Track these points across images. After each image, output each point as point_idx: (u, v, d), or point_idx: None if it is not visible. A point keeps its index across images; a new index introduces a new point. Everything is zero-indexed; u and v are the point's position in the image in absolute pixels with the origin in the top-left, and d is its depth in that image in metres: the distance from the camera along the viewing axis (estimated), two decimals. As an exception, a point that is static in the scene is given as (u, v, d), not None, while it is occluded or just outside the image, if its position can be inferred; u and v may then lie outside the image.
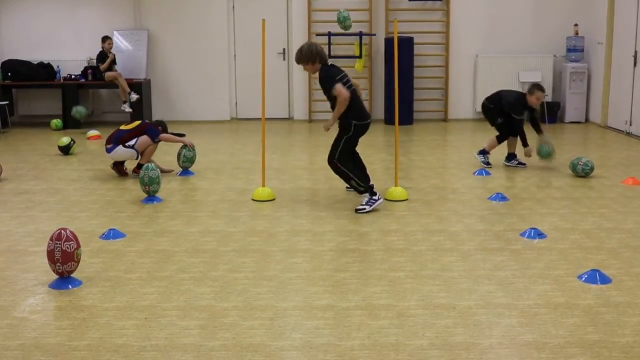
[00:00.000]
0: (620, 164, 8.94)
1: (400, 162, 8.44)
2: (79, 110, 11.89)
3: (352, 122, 6.65)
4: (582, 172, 8.05)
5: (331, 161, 6.74)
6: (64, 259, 4.66)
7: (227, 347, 3.82)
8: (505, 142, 8.80)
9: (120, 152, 8.17)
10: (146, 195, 7.14)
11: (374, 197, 6.69)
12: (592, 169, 8.07)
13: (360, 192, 6.80)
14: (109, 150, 8.21)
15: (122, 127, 8.37)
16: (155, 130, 8.31)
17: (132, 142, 8.15)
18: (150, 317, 4.23)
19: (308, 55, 6.68)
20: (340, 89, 6.51)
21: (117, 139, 8.17)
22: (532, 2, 13.18)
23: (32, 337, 3.96)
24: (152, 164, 7.19)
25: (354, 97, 6.68)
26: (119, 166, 8.42)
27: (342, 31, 13.02)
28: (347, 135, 6.69)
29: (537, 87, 8.49)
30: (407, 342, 3.86)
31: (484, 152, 8.83)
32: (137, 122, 8.46)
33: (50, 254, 4.68)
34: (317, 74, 6.85)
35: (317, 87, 13.27)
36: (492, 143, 8.81)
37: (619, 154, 9.73)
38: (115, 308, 4.37)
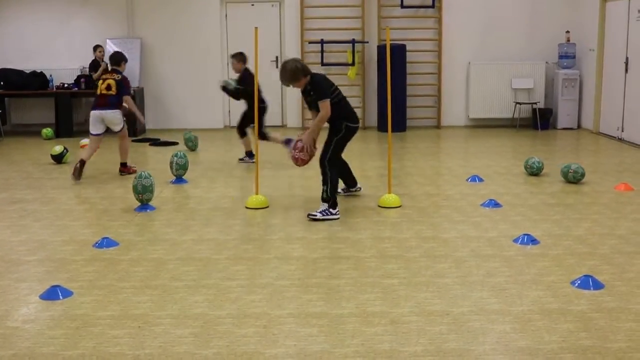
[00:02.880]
0: (613, 170, 8.98)
1: (394, 169, 8.45)
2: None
3: (344, 124, 6.76)
4: (573, 179, 8.09)
5: (322, 162, 6.78)
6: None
7: (221, 355, 3.82)
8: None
9: (118, 115, 8.76)
10: (139, 204, 7.13)
11: (331, 210, 6.67)
12: (582, 175, 8.10)
13: (322, 199, 6.72)
14: (108, 108, 8.69)
15: (106, 93, 8.70)
16: (127, 90, 8.84)
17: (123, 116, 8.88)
18: (144, 325, 4.22)
19: (294, 71, 6.72)
20: (327, 104, 6.66)
21: (115, 105, 8.71)
22: (524, 9, 13.25)
23: (26, 346, 3.95)
24: (145, 172, 7.19)
25: (345, 102, 6.88)
26: (124, 167, 9.00)
27: (334, 39, 13.17)
28: (337, 137, 6.78)
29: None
30: (401, 349, 3.86)
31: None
32: (114, 83, 8.73)
33: None
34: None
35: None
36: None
37: (611, 160, 9.77)
38: (108, 317, 4.36)
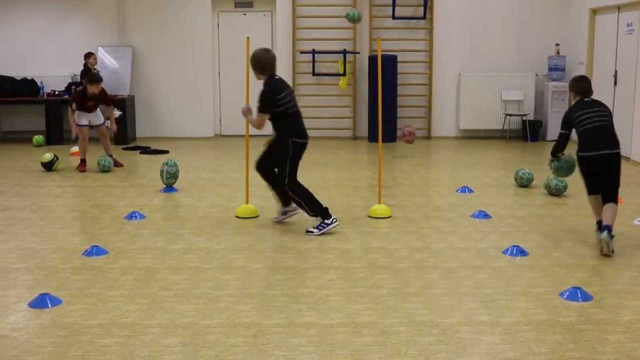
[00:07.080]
0: (601, 182, 8.99)
1: (384, 180, 8.47)
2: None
3: (290, 140, 6.45)
4: (556, 192, 8.13)
5: (286, 191, 6.55)
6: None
7: (210, 365, 3.81)
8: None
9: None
10: (128, 211, 7.14)
11: (325, 221, 6.50)
12: (565, 187, 8.13)
13: (310, 216, 6.60)
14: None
15: None
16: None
17: None
18: (133, 334, 4.21)
19: (256, 59, 6.49)
20: (260, 118, 6.56)
21: None
22: (514, 21, 13.33)
23: (13, 355, 3.93)
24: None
25: (296, 115, 6.56)
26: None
27: (325, 49, 13.20)
28: (289, 156, 6.45)
29: None
30: (390, 360, 3.87)
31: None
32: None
33: None
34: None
35: (301, 104, 13.40)
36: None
37: (600, 172, 9.79)
38: (97, 326, 4.34)
